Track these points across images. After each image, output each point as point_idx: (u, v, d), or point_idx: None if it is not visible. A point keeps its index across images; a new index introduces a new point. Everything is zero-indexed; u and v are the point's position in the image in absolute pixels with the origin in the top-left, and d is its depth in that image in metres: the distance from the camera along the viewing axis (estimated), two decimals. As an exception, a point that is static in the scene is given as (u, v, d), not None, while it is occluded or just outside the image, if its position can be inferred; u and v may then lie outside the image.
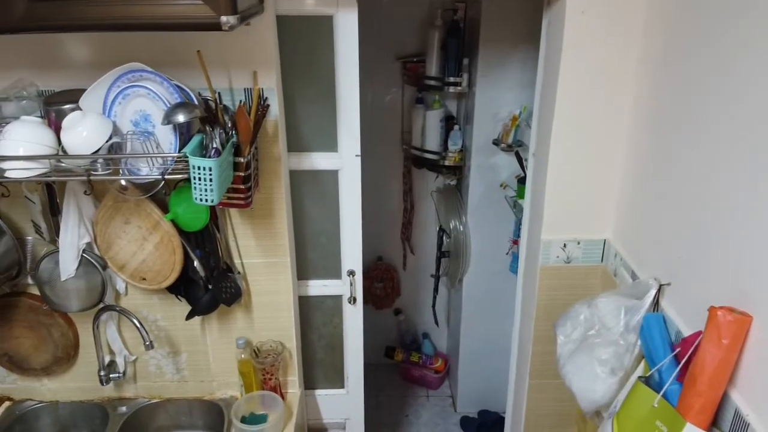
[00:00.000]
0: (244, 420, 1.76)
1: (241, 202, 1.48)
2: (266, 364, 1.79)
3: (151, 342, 1.63)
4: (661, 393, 1.18)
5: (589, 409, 1.47)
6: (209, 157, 1.32)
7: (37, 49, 1.49)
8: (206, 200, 1.32)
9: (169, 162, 1.36)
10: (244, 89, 1.54)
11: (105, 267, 1.65)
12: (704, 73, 1.22)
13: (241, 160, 1.41)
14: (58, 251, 1.61)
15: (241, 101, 1.52)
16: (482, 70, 2.34)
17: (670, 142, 1.36)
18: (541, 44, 1.71)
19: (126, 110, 1.37)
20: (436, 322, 3.07)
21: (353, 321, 1.99)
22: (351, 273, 1.91)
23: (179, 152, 1.33)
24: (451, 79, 2.46)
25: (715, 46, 1.17)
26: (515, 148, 2.36)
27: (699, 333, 1.16)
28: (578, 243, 1.71)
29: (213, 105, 1.43)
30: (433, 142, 2.63)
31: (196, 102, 1.40)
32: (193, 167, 1.29)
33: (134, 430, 1.85)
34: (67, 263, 1.58)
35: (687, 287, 1.32)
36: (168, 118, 1.32)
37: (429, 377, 3.17)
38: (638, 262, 1.56)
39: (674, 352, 1.25)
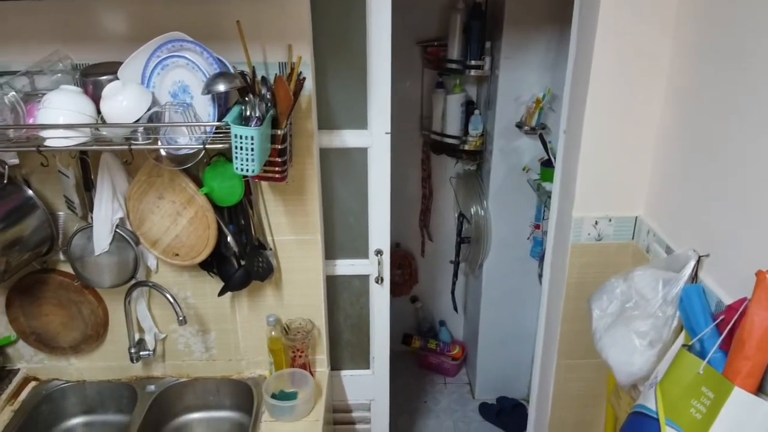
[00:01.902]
0: (273, 398, 1.76)
1: (277, 175, 1.48)
2: (296, 341, 1.79)
3: (184, 317, 1.63)
4: (707, 359, 1.18)
5: (626, 381, 1.47)
6: (250, 126, 1.32)
7: (71, 22, 1.49)
8: (247, 170, 1.32)
9: (209, 132, 1.35)
10: (279, 63, 1.54)
11: (137, 243, 1.65)
12: (740, 47, 1.22)
13: (279, 132, 1.41)
14: (90, 227, 1.61)
15: (276, 74, 1.52)
16: (506, 53, 2.34)
17: (706, 114, 1.36)
18: (573, 24, 1.70)
19: (165, 81, 1.37)
20: (455, 308, 3.07)
21: (380, 301, 1.98)
22: (378, 252, 1.91)
23: (220, 122, 1.32)
24: (473, 63, 2.46)
25: (749, 23, 1.18)
26: (539, 130, 2.36)
27: (744, 299, 1.16)
28: (610, 220, 1.71)
29: (249, 77, 1.42)
30: (453, 126, 2.63)
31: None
32: (236, 136, 1.28)
33: (162, 410, 1.85)
34: (101, 238, 1.58)
35: (727, 257, 1.32)
36: (208, 88, 1.31)
37: (446, 364, 3.17)
38: (673, 237, 1.55)
39: (715, 322, 1.25)
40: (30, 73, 1.47)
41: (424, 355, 3.19)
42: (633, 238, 1.73)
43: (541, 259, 2.62)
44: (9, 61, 1.51)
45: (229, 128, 1.32)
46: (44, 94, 1.41)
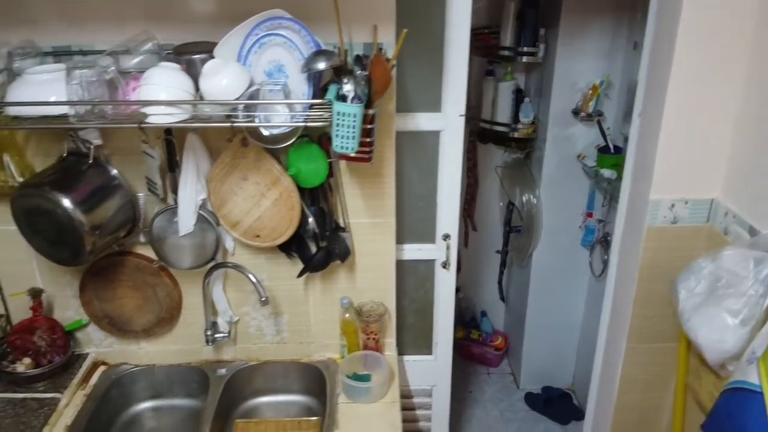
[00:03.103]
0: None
1: (365, 156, 1.48)
2: (371, 322, 1.79)
3: (266, 298, 1.63)
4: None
5: (716, 360, 1.47)
6: (350, 104, 1.32)
7: (157, 2, 1.49)
8: (346, 148, 1.33)
9: (304, 110, 1.36)
10: (363, 44, 1.54)
11: (218, 224, 1.65)
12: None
13: (370, 111, 1.41)
14: (171, 208, 1.62)
15: (373, 52, 1.51)
16: (563, 39, 2.34)
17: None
18: (651, 9, 1.70)
19: (261, 60, 1.37)
20: (502, 298, 3.07)
21: (445, 286, 1.99)
22: (446, 237, 1.91)
23: (322, 100, 1.33)
24: (526, 49, 2.45)
25: None
26: (595, 117, 2.36)
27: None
28: (686, 203, 1.71)
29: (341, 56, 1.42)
30: (504, 114, 2.62)
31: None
32: (338, 114, 1.29)
33: (233, 394, 1.85)
34: (186, 219, 1.58)
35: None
36: (308, 66, 1.32)
37: (489, 355, 3.17)
38: (756, 218, 1.55)
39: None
40: (116, 53, 1.48)
41: (466, 345, 3.19)
42: (708, 220, 1.73)
43: (593, 247, 2.63)
44: (93, 40, 1.51)
45: (326, 106, 1.32)
46: (130, 73, 1.42)
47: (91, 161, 1.53)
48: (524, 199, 2.67)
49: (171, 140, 1.53)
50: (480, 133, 2.79)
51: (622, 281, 1.95)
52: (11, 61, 1.47)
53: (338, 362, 1.88)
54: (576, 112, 2.42)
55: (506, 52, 2.50)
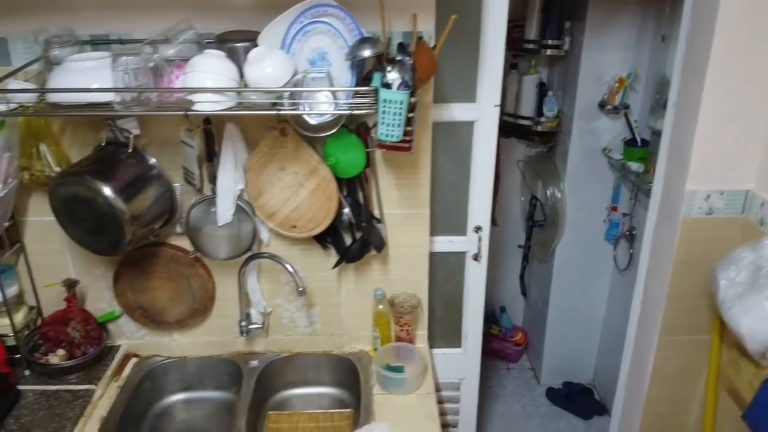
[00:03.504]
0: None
1: (405, 144, 1.47)
2: (404, 314, 1.78)
3: (304, 288, 1.63)
4: None
5: (758, 349, 1.46)
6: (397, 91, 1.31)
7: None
8: (391, 136, 1.32)
9: (349, 98, 1.35)
10: (402, 32, 1.54)
11: (254, 215, 1.64)
12: None
13: (413, 99, 1.40)
14: (208, 199, 1.61)
15: (418, 40, 1.51)
16: (590, 32, 2.34)
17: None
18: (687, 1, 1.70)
19: (304, 48, 1.36)
20: (524, 293, 3.06)
21: (476, 279, 1.98)
22: (478, 229, 1.90)
23: (368, 87, 1.32)
24: (551, 42, 2.45)
25: None
26: (622, 110, 2.35)
27: None
28: (721, 194, 1.70)
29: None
30: (528, 108, 2.62)
31: (368, 40, 1.40)
32: (385, 101, 1.28)
33: (265, 386, 1.85)
34: (225, 209, 1.58)
35: None
36: (354, 53, 1.31)
37: (509, 350, 3.16)
38: (794, 207, 1.55)
39: None
40: (155, 42, 1.47)
41: (486, 340, 3.16)
42: (743, 211, 1.73)
43: (617, 241, 2.62)
44: (132, 29, 1.51)
45: (370, 94, 1.31)
46: (173, 61, 1.41)
47: (130, 150, 1.52)
48: (548, 193, 2.66)
49: (210, 130, 1.53)
50: (502, 127, 2.77)
51: (654, 274, 1.94)
52: (49, 50, 1.47)
53: (370, 354, 1.87)
54: (602, 105, 2.41)
55: (531, 45, 2.50)
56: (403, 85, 1.30)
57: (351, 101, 1.37)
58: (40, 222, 1.70)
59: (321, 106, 1.37)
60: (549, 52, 2.49)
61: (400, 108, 1.28)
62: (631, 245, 2.50)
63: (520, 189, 2.96)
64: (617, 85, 2.35)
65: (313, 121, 1.38)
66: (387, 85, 1.35)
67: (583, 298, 2.80)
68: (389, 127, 1.31)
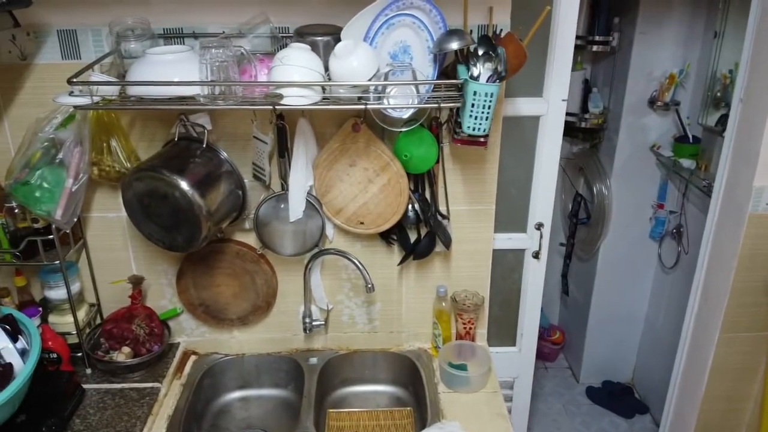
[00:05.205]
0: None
1: (482, 139, 1.46)
2: (467, 312, 1.77)
3: (372, 285, 1.61)
4: None
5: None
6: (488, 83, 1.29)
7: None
8: (479, 129, 1.31)
9: (429, 92, 1.34)
10: (478, 26, 1.52)
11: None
12: None
13: (496, 93, 1.39)
14: (277, 195, 1.60)
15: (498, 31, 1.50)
16: (641, 28, 2.32)
17: None
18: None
19: (387, 41, 1.35)
20: (566, 292, 3.05)
21: (535, 277, 1.97)
22: (540, 226, 1.89)
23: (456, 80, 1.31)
24: (599, 38, 2.43)
25: None
26: (672, 107, 2.33)
27: None
28: (790, 189, 1.69)
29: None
30: (573, 104, 2.60)
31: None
32: (474, 94, 1.27)
33: (324, 383, 1.83)
34: (296, 205, 1.56)
35: None
36: (440, 46, 1.30)
37: (546, 349, 3.15)
38: None
39: None
40: (230, 36, 1.46)
41: (523, 338, 3.16)
42: (810, 207, 1.72)
43: (662, 238, 2.60)
44: (206, 23, 1.50)
45: (454, 88, 1.30)
46: (255, 54, 1.40)
47: (204, 146, 1.51)
48: (594, 190, 2.64)
49: (283, 125, 1.51)
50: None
51: (714, 270, 1.93)
52: (121, 43, 1.46)
53: (430, 352, 1.86)
54: (651, 102, 2.39)
55: (578, 41, 2.48)
56: (495, 77, 1.29)
57: (434, 94, 1.35)
58: (103, 218, 1.69)
59: (403, 100, 1.35)
60: (595, 48, 2.47)
61: (490, 101, 1.27)
62: (679, 243, 2.48)
63: (561, 186, 2.94)
64: (668, 81, 2.33)
65: (395, 114, 1.36)
66: (473, 78, 1.33)
67: (625, 297, 2.78)
68: (477, 121, 1.29)
